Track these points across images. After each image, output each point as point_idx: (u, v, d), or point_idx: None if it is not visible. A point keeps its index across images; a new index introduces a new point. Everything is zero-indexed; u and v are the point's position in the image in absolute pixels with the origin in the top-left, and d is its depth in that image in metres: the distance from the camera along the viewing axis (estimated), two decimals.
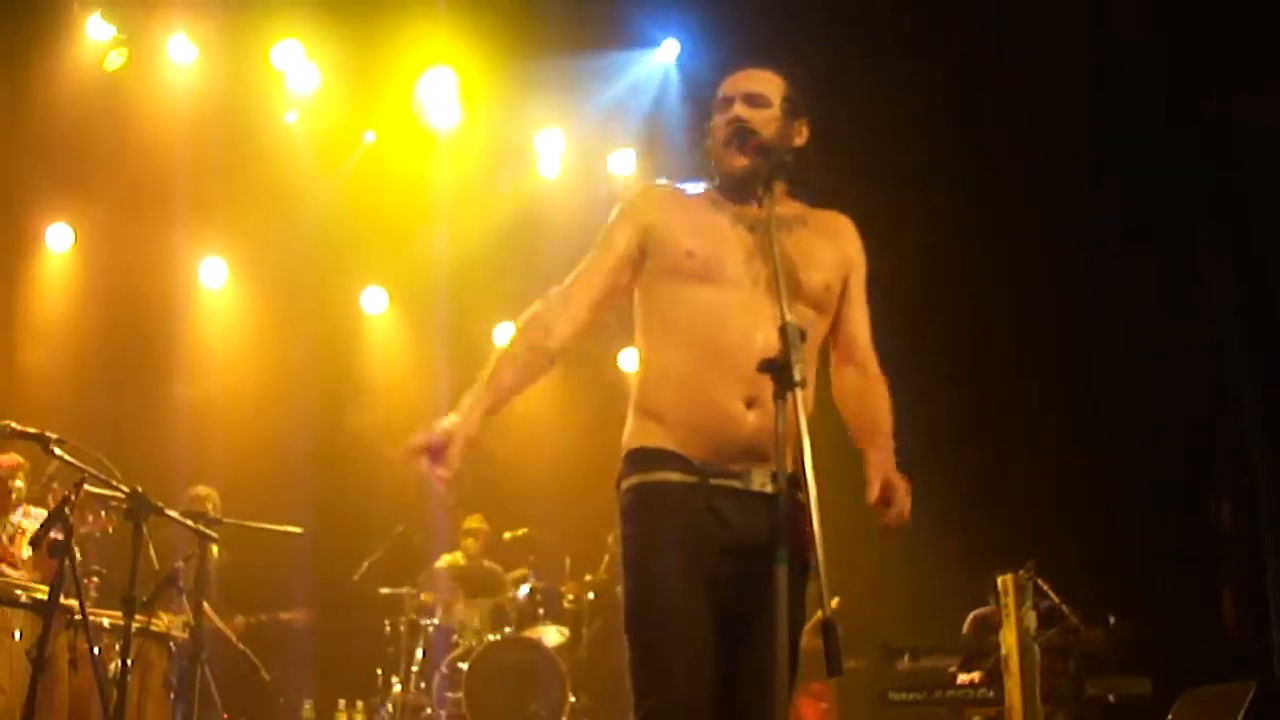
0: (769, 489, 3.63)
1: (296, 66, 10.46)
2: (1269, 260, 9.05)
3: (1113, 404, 9.72)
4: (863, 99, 9.70)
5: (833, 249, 3.89)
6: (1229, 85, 8.91)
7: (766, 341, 3.51)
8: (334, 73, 10.60)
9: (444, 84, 10.58)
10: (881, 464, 3.80)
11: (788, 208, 3.88)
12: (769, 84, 3.93)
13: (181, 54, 10.30)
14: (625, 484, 3.78)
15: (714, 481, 3.65)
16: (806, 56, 9.59)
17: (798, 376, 3.19)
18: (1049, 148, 9.70)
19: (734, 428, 3.63)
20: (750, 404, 3.61)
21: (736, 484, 3.66)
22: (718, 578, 3.60)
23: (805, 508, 3.22)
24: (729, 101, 3.90)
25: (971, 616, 8.55)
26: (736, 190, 3.85)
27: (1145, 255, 9.52)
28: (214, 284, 11.58)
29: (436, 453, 3.56)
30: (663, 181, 4.08)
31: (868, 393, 3.96)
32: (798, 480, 3.46)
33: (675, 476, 3.66)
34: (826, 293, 3.85)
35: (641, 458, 3.74)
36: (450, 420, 3.60)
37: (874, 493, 3.75)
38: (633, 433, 3.80)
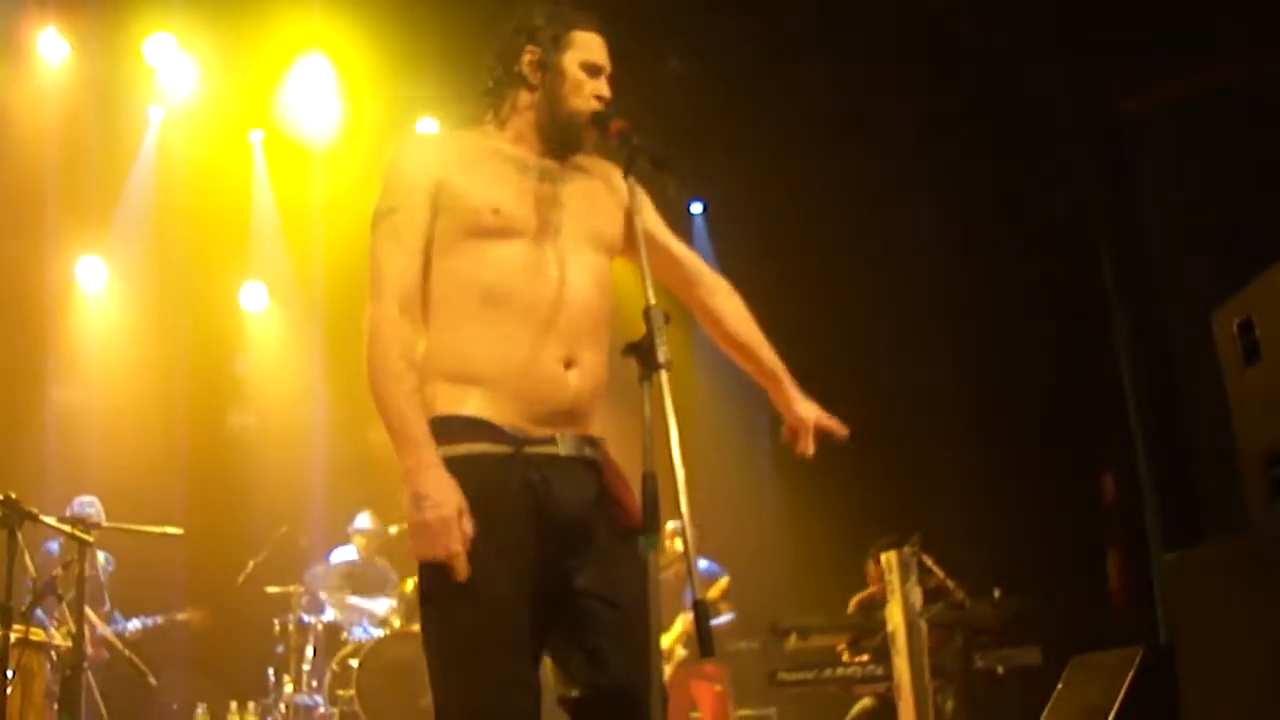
0: (586, 453, 3.52)
1: (170, 60, 10.30)
2: (1150, 239, 9.20)
3: (995, 378, 9.83)
4: (757, 96, 9.82)
5: (612, 195, 3.74)
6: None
7: (577, 293, 3.50)
8: (209, 65, 10.45)
9: (320, 71, 10.47)
10: (803, 401, 3.86)
11: (565, 158, 3.74)
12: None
13: (53, 49, 10.11)
14: None
15: (528, 449, 3.42)
16: (690, 54, 9.78)
17: (662, 358, 3.11)
18: (944, 135, 9.82)
19: (554, 389, 3.44)
20: (569, 365, 3.47)
21: (552, 450, 3.44)
22: (542, 556, 3.38)
23: (621, 476, 3.23)
24: (597, 71, 3.71)
25: (855, 600, 8.60)
26: (554, 143, 3.69)
27: (1032, 234, 9.64)
28: (92, 284, 11.38)
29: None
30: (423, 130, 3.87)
31: (741, 312, 3.94)
32: (600, 445, 3.53)
33: (485, 447, 3.39)
34: (616, 238, 3.73)
35: (445, 427, 3.41)
36: (424, 499, 3.24)
37: (812, 423, 3.81)
38: (434, 398, 3.45)
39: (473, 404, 3.43)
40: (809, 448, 3.84)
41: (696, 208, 11.85)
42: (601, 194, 3.74)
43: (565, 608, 3.44)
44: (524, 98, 3.72)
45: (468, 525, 3.26)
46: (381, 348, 3.42)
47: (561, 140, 3.70)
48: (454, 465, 3.34)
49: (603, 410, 3.61)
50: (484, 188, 3.55)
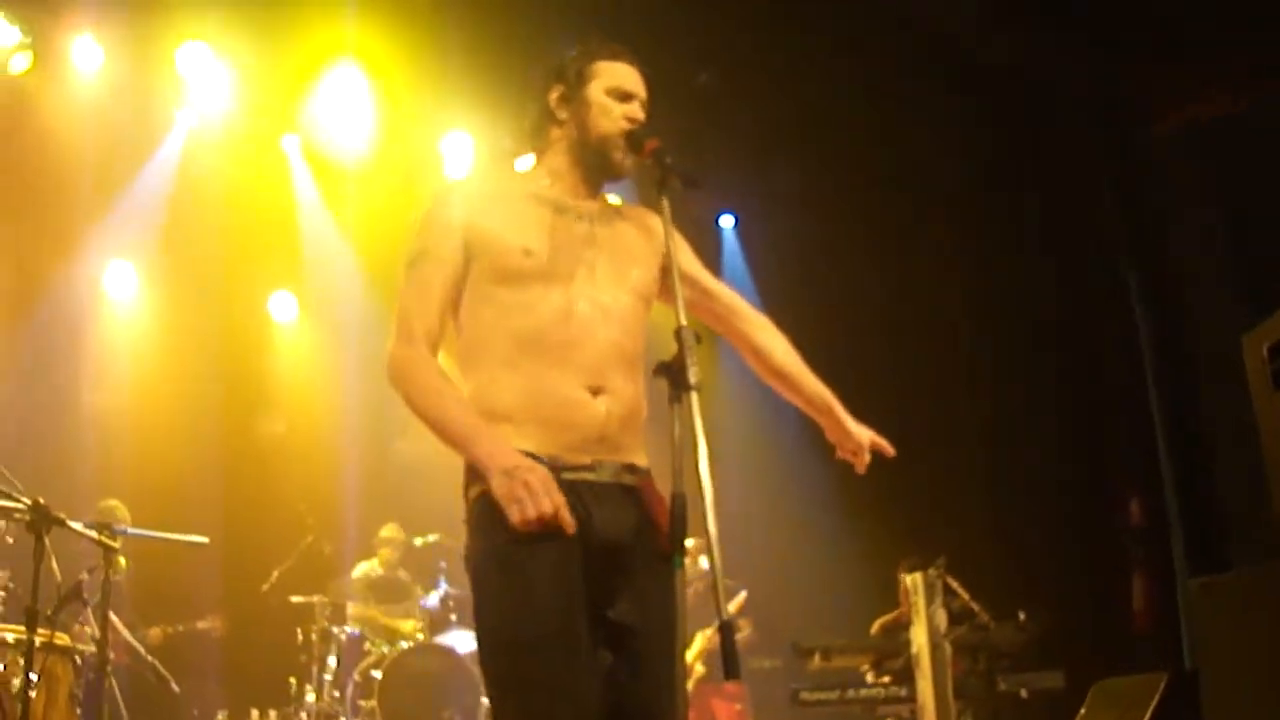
0: (626, 481, 3.56)
1: (203, 68, 10.33)
2: (1177, 263, 9.18)
3: (1021, 401, 9.81)
4: (786, 111, 9.81)
5: (649, 242, 3.78)
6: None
7: (608, 333, 3.56)
8: (242, 73, 10.47)
9: (352, 81, 10.50)
10: (856, 425, 4.01)
11: (601, 203, 3.82)
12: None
13: (87, 56, 10.15)
14: (472, 492, 3.52)
15: (567, 476, 3.43)
16: (719, 67, 9.80)
17: (693, 379, 3.13)
18: (971, 155, 9.81)
19: (582, 415, 3.49)
20: (596, 392, 3.51)
21: (590, 476, 3.49)
22: (585, 581, 3.42)
23: (663, 503, 3.26)
24: (628, 97, 3.77)
25: (878, 623, 8.58)
26: (591, 173, 3.77)
27: (1059, 257, 9.63)
28: (121, 291, 11.43)
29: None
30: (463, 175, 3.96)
31: (785, 345, 4.01)
32: (641, 473, 3.58)
33: None
34: (652, 284, 3.77)
35: None
36: (512, 469, 3.31)
37: (868, 444, 3.97)
38: None
39: (508, 437, 3.45)
40: (863, 467, 3.99)
41: (727, 221, 11.84)
42: (639, 241, 3.79)
43: (597, 628, 3.46)
44: (555, 134, 3.80)
45: (558, 492, 3.32)
46: (419, 375, 3.52)
47: (598, 167, 3.77)
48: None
49: (642, 440, 3.64)
50: (516, 230, 3.60)
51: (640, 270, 3.73)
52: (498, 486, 3.33)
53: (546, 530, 3.29)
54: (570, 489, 3.42)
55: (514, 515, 3.28)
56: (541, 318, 3.54)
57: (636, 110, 3.77)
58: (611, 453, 3.54)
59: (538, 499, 3.27)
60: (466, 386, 3.59)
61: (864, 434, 3.99)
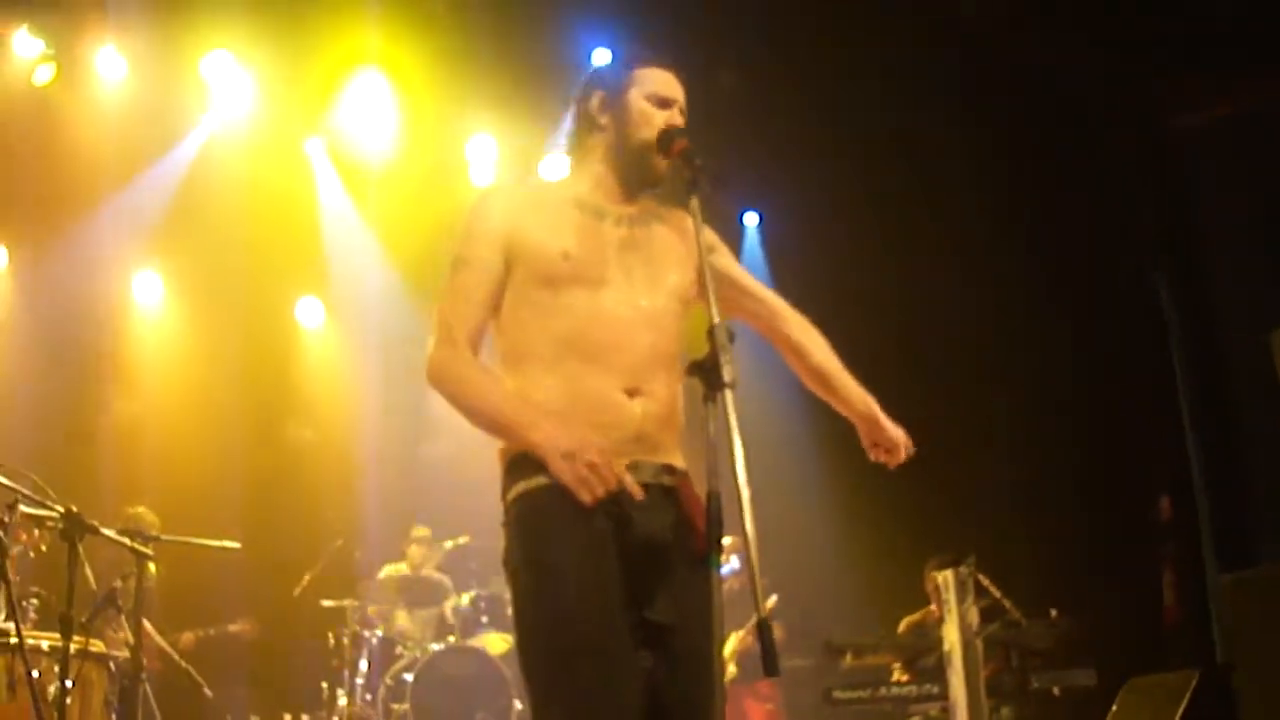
0: (664, 482, 3.58)
1: (227, 76, 10.36)
2: (1207, 259, 9.15)
3: (1051, 397, 9.79)
4: (810, 107, 9.81)
5: (686, 245, 3.77)
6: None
7: (645, 336, 3.58)
8: (265, 81, 10.51)
9: (376, 88, 10.53)
10: (893, 426, 4.01)
11: (643, 205, 3.84)
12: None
13: (111, 67, 10.19)
14: (510, 494, 3.56)
15: None
16: (743, 66, 9.81)
17: (728, 377, 3.13)
18: (999, 152, 9.79)
19: (619, 416, 3.51)
20: (632, 393, 3.53)
21: (628, 477, 3.47)
22: (624, 581, 3.44)
23: (698, 501, 3.27)
24: (667, 103, 3.79)
25: (906, 622, 8.57)
26: (629, 179, 3.79)
27: (1089, 253, 9.61)
28: (149, 299, 11.48)
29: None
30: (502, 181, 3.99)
31: (825, 347, 4.03)
32: (680, 474, 3.59)
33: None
34: (689, 286, 3.76)
35: (524, 462, 3.49)
36: (570, 452, 3.35)
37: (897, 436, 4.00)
38: None
39: None
40: (895, 463, 4.03)
41: (751, 219, 11.83)
42: (677, 243, 3.79)
43: (636, 628, 3.47)
44: (595, 140, 3.83)
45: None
46: (462, 372, 3.57)
47: (637, 174, 3.79)
48: (533, 498, 3.47)
49: (679, 440, 3.66)
50: (555, 235, 3.63)
51: (678, 273, 3.74)
52: (562, 471, 3.37)
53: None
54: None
55: (584, 497, 3.33)
56: (580, 320, 3.57)
57: (676, 116, 3.79)
58: (649, 453, 3.56)
59: (605, 477, 3.34)
60: (513, 378, 3.63)
61: (899, 434, 4.01)
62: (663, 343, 3.62)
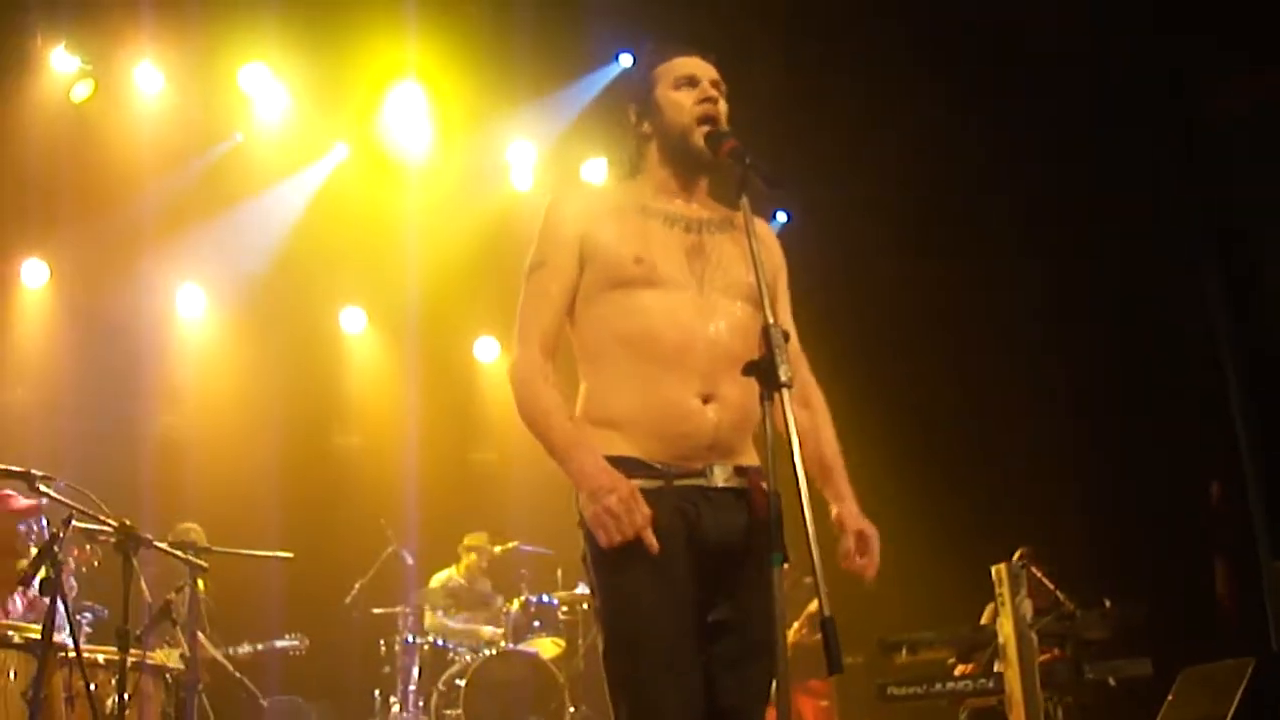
0: (736, 484, 3.62)
1: (264, 88, 10.40)
2: (1253, 240, 9.09)
3: (1101, 386, 9.75)
4: (841, 108, 9.77)
5: (763, 253, 3.70)
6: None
7: (717, 339, 3.61)
8: (303, 93, 10.55)
9: (414, 99, 10.55)
10: (852, 515, 3.79)
11: (715, 210, 3.88)
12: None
13: (148, 82, 10.24)
14: (582, 498, 3.56)
15: (679, 483, 3.56)
16: (774, 71, 9.79)
17: (784, 377, 3.17)
18: (1036, 143, 9.74)
19: (693, 424, 3.57)
20: (707, 400, 3.58)
21: (701, 482, 3.58)
22: (695, 580, 3.52)
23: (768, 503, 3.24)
24: (694, 81, 3.85)
25: (988, 611, 8.53)
26: (686, 172, 3.85)
27: (1134, 242, 9.55)
28: (192, 311, 11.53)
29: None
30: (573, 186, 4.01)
31: (816, 428, 3.90)
32: (751, 474, 3.60)
33: (639, 483, 3.49)
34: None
35: None
36: (601, 490, 3.41)
37: (848, 545, 3.71)
38: None
39: (620, 444, 3.58)
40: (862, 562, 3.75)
41: (779, 218, 11.80)
42: (747, 249, 3.73)
43: (704, 627, 3.55)
44: (648, 148, 3.92)
45: (644, 506, 3.41)
46: (531, 386, 3.64)
47: (687, 160, 3.84)
48: None
49: (751, 438, 3.69)
50: (627, 239, 3.70)
51: (749, 275, 3.71)
52: (585, 509, 3.47)
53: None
54: (682, 494, 3.54)
55: (600, 539, 3.42)
56: (653, 325, 3.63)
57: (707, 89, 3.85)
58: (723, 457, 3.62)
59: (621, 524, 3.40)
60: (584, 385, 3.75)
61: (870, 529, 3.80)
62: (736, 346, 3.61)
